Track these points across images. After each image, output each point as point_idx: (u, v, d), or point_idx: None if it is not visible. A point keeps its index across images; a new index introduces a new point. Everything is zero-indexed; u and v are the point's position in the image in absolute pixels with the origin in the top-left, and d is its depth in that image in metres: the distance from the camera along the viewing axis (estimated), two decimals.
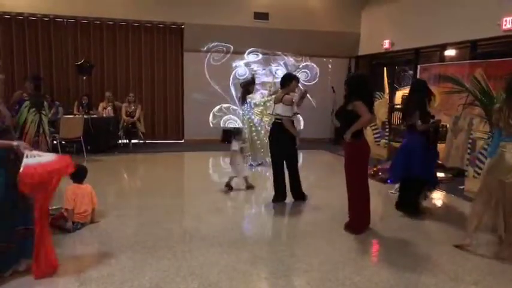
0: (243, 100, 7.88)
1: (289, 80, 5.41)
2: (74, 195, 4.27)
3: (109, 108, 9.37)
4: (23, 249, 3.24)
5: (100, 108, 9.40)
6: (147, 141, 9.99)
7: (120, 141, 9.68)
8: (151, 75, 10.55)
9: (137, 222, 4.63)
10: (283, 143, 5.32)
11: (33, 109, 5.39)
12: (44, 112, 5.48)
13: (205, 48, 10.38)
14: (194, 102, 10.51)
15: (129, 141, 9.75)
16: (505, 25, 6.73)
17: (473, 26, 7.38)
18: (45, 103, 5.81)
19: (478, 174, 5.95)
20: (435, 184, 5.46)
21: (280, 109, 5.26)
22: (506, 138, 3.95)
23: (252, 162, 7.75)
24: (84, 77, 9.41)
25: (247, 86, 7.94)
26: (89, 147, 8.24)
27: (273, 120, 5.47)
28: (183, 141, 10.75)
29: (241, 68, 10.70)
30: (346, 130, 4.25)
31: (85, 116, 8.48)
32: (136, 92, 10.17)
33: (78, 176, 4.48)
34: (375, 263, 3.86)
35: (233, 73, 10.54)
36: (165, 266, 3.46)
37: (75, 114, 9.00)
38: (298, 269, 3.53)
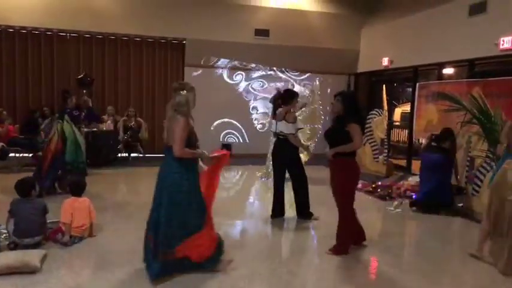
0: (273, 115, 7.97)
1: (291, 97, 5.45)
2: (71, 209, 4.26)
3: (109, 122, 9.40)
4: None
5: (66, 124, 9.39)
6: (146, 155, 9.98)
7: (119, 154, 9.69)
8: (152, 90, 10.62)
9: (135, 237, 4.56)
10: (284, 159, 5.35)
11: (59, 120, 6.34)
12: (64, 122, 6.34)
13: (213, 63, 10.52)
14: (194, 116, 10.54)
15: (129, 154, 9.76)
16: (503, 45, 6.81)
17: (471, 45, 7.47)
18: (66, 115, 6.54)
19: (477, 191, 5.96)
20: None
21: (284, 127, 5.27)
22: (510, 156, 3.98)
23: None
24: (85, 91, 9.46)
25: (277, 101, 8.02)
26: (88, 161, 8.23)
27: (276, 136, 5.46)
28: None
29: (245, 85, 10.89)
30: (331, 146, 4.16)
31: (85, 129, 8.50)
32: (137, 106, 10.22)
33: (76, 189, 4.49)
34: (373, 280, 3.84)
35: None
36: (162, 281, 3.43)
37: None
38: (295, 286, 3.51)
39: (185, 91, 3.51)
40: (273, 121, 5.62)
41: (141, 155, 9.84)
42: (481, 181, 5.88)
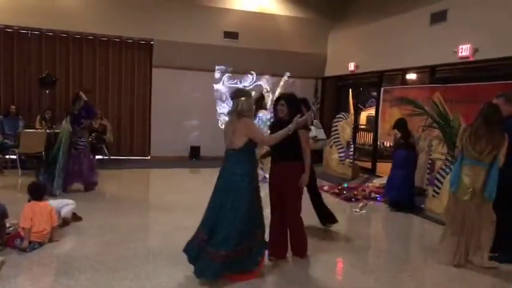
0: (254, 115, 7.91)
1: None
2: (31, 213, 4.11)
3: None
4: (259, 252, 3.65)
5: (64, 123, 9.13)
6: (112, 157, 9.77)
7: None
8: (118, 91, 10.40)
9: (99, 241, 4.49)
10: None
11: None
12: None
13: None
14: (162, 118, 10.40)
15: (94, 157, 9.50)
16: (461, 52, 7.12)
17: (432, 52, 7.76)
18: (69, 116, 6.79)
19: (437, 193, 6.18)
20: None
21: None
22: (465, 160, 4.17)
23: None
24: (47, 91, 9.15)
25: (259, 102, 7.96)
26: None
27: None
28: (149, 157, 10.59)
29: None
30: (280, 151, 3.95)
31: (48, 131, 8.22)
32: (103, 108, 9.98)
33: (37, 192, 4.33)
34: (339, 281, 3.90)
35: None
36: (127, 286, 3.37)
37: (37, 129, 8.71)
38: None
39: (244, 97, 3.71)
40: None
41: (106, 157, 9.62)
42: (441, 183, 6.11)
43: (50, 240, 4.25)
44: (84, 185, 6.83)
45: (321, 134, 5.32)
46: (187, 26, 10.24)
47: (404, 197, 6.36)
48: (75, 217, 5.00)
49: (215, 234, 3.49)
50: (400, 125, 6.49)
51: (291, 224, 4.04)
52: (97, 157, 9.52)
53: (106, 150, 9.60)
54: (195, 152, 10.76)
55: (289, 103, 4.04)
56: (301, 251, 4.14)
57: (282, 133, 3.71)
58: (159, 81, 10.41)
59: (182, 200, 6.86)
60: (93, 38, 10.03)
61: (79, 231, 4.73)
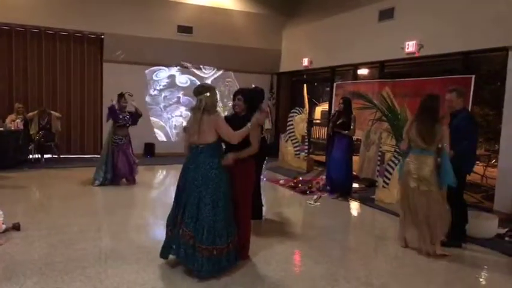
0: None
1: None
2: None
3: (18, 120, 8.66)
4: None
5: (8, 121, 8.66)
6: (62, 156, 9.38)
7: (31, 156, 8.98)
8: (67, 87, 9.97)
9: (47, 243, 4.30)
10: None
11: None
12: None
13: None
14: None
15: (42, 156, 9.08)
16: (408, 48, 7.43)
17: (381, 48, 8.04)
18: None
19: (387, 184, 6.44)
20: None
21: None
22: (413, 150, 4.39)
23: None
24: None
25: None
26: None
27: None
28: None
29: (182, 77, 10.73)
30: (232, 148, 3.73)
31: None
32: (51, 104, 9.54)
33: None
34: (294, 271, 3.97)
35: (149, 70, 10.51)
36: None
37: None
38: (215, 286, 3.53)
39: (209, 93, 3.65)
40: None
41: (55, 156, 9.22)
42: (391, 174, 6.38)
43: None
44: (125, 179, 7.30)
45: (267, 123, 5.37)
46: (139, 19, 9.99)
47: (343, 180, 6.67)
48: (14, 225, 4.67)
49: (202, 230, 3.49)
50: (347, 102, 6.71)
51: (240, 219, 3.82)
52: (46, 156, 9.13)
53: (55, 149, 9.21)
54: (149, 149, 10.55)
55: (247, 98, 4.00)
56: (243, 253, 3.93)
57: (245, 130, 3.66)
58: (111, 76, 10.07)
59: (135, 199, 6.73)
60: (38, 31, 9.55)
61: (25, 233, 4.50)
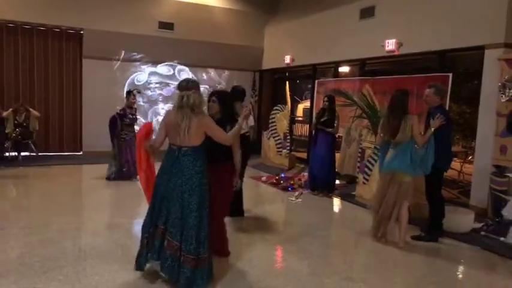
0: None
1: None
2: None
3: None
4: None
5: None
6: (40, 154, 9.19)
7: (7, 154, 8.77)
8: (45, 83, 9.75)
9: (24, 242, 4.22)
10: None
11: None
12: None
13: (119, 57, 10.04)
14: (95, 112, 9.91)
15: (19, 153, 8.88)
16: (388, 46, 7.53)
17: (362, 46, 8.12)
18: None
19: (367, 180, 6.53)
20: None
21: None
22: (390, 144, 4.49)
23: None
24: None
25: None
26: None
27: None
28: (81, 153, 10.08)
29: (142, 75, 10.52)
30: (211, 151, 3.48)
31: None
32: (28, 101, 9.32)
33: None
34: (275, 268, 4.00)
35: (130, 78, 10.34)
36: None
37: None
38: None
39: (196, 90, 3.38)
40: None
41: (33, 154, 9.03)
42: (371, 170, 6.46)
43: None
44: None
45: (251, 120, 5.36)
46: (120, 15, 9.84)
47: (326, 177, 6.76)
48: None
49: (191, 240, 3.22)
50: (331, 99, 6.76)
51: (217, 223, 3.74)
52: (23, 154, 8.93)
53: (33, 146, 9.02)
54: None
55: (222, 100, 3.81)
56: (225, 251, 3.96)
57: (238, 128, 3.54)
58: (91, 72, 9.90)
59: (115, 197, 6.65)
60: (15, 25, 9.31)
61: (1, 232, 4.41)
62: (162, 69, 10.69)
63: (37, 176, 7.71)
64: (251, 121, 5.43)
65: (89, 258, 3.86)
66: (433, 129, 4.39)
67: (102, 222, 5.04)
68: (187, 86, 3.43)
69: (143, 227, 3.44)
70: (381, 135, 4.64)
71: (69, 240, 4.32)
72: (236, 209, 5.12)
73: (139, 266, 3.43)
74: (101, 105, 9.55)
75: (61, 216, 5.15)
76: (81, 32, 9.77)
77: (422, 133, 4.56)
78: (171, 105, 8.60)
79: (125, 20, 9.89)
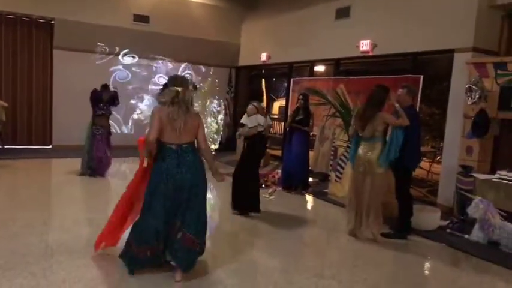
0: None
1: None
2: None
3: None
4: None
5: None
6: (6, 147, 8.87)
7: None
8: (13, 74, 9.41)
9: None
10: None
11: None
12: None
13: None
14: (65, 104, 9.64)
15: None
16: (362, 47, 7.64)
17: (337, 46, 8.22)
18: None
19: (339, 178, 6.63)
20: None
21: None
22: (361, 138, 4.61)
23: None
24: None
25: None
26: None
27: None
28: (50, 146, 9.80)
29: (121, 72, 10.32)
30: None
31: None
32: None
33: None
34: (246, 264, 4.00)
35: (112, 77, 10.12)
36: (20, 285, 3.11)
37: None
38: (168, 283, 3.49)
39: (190, 86, 3.41)
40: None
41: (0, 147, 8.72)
42: (343, 168, 6.56)
43: None
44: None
45: (252, 121, 5.34)
46: (93, 5, 9.61)
47: (300, 174, 6.84)
48: None
49: (203, 228, 3.47)
50: (306, 97, 6.83)
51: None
52: None
53: None
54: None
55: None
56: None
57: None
58: (62, 63, 9.62)
59: (85, 192, 6.51)
60: None
61: None
62: (140, 62, 10.53)
63: (3, 169, 7.45)
64: (268, 120, 5.49)
65: (56, 254, 3.76)
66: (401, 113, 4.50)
67: (71, 218, 4.91)
68: (182, 82, 3.40)
69: (144, 238, 3.35)
70: (353, 126, 4.73)
71: (35, 235, 4.20)
72: (252, 205, 5.39)
73: (132, 271, 3.42)
74: (73, 97, 9.30)
75: (28, 211, 4.99)
76: (52, 21, 9.48)
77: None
78: (153, 100, 8.57)
79: (98, 11, 9.66)
